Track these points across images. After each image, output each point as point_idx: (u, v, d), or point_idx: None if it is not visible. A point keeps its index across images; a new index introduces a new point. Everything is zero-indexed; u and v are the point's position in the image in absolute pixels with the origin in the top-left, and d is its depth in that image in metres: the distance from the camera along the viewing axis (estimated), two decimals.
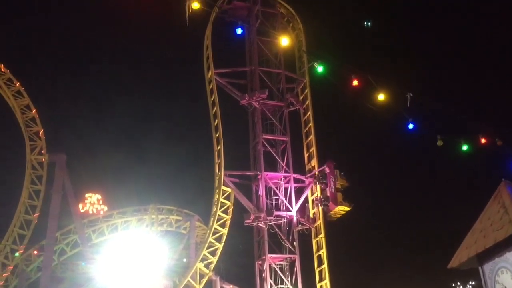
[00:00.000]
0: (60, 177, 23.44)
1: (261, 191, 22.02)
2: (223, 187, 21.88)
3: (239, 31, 16.48)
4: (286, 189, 22.60)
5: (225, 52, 23.64)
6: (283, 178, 22.69)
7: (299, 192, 22.85)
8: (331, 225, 22.58)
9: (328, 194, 21.82)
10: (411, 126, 16.50)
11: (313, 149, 23.41)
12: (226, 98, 23.13)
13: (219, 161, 22.21)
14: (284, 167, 22.74)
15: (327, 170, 22.06)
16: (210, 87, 23.03)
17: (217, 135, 22.49)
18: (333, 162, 22.29)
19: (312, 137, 23.52)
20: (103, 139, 27.19)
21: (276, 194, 22.38)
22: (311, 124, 23.64)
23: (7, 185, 25.04)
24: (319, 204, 22.13)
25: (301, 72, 24.66)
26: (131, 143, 27.63)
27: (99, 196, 33.35)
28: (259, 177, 22.15)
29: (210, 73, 23.10)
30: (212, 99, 22.84)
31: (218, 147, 22.36)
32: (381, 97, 15.63)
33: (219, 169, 22.09)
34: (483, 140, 16.49)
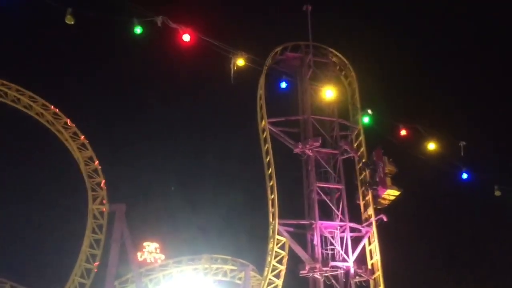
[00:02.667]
0: (119, 226, 24.09)
1: (316, 241, 21.67)
2: (277, 237, 21.68)
3: (283, 85, 16.86)
4: (342, 238, 22.12)
5: (278, 101, 23.95)
6: (338, 227, 22.25)
7: (355, 242, 22.31)
8: (391, 275, 21.77)
9: (377, 178, 21.16)
10: (465, 176, 15.95)
11: (369, 197, 22.90)
12: (279, 146, 23.29)
13: (273, 210, 22.13)
14: (340, 216, 22.36)
15: (375, 157, 21.55)
16: (264, 136, 23.31)
17: (271, 184, 22.52)
18: (381, 149, 21.69)
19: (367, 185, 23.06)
20: (158, 187, 27.86)
21: (331, 244, 21.92)
22: (366, 172, 23.24)
23: (69, 235, 25.99)
24: (369, 189, 21.61)
25: (355, 119, 24.51)
26: (184, 191, 28.09)
27: (156, 245, 33.76)
28: (314, 226, 21.85)
29: (263, 123, 23.42)
30: (265, 148, 23.05)
31: (272, 196, 22.34)
32: (431, 146, 15.29)
33: (273, 218, 21.97)
34: None
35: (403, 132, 19.19)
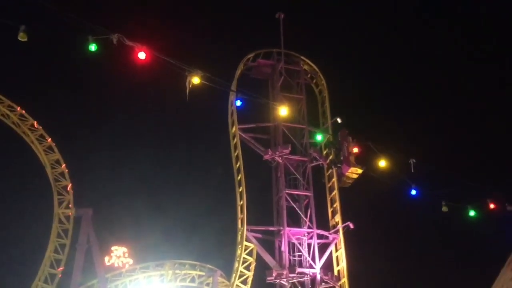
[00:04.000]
0: (85, 231, 23.74)
1: (284, 247, 21.80)
2: (245, 243, 21.72)
3: (238, 103, 17.17)
4: (309, 245, 22.30)
5: (249, 107, 24.06)
6: (306, 234, 22.44)
7: (322, 248, 22.52)
8: (357, 282, 22.07)
9: (342, 157, 21.76)
10: (413, 192, 16.50)
11: (337, 204, 23.18)
12: (249, 152, 23.37)
13: (242, 216, 22.15)
14: (308, 222, 22.55)
15: (340, 137, 22.17)
16: (234, 142, 23.34)
17: (240, 190, 22.56)
18: (346, 130, 22.31)
19: (335, 192, 23.33)
20: (125, 192, 27.59)
21: (299, 251, 22.08)
22: (334, 179, 23.51)
23: (34, 240, 25.47)
24: (333, 167, 22.28)
25: (325, 127, 24.81)
26: (151, 196, 27.96)
27: (125, 249, 33.12)
28: (282, 232, 21.99)
29: (234, 128, 23.46)
30: (236, 154, 23.07)
31: (241, 202, 22.36)
32: (382, 163, 15.83)
33: (242, 224, 22.01)
34: (491, 205, 16.20)
35: (355, 150, 20.26)
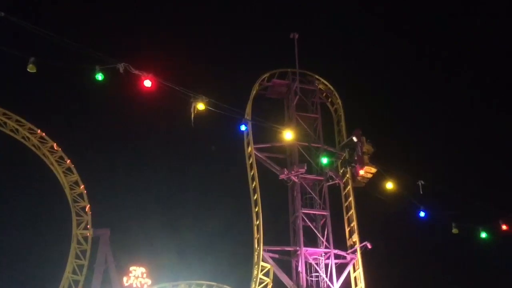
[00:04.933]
0: (103, 251, 23.93)
1: (301, 268, 21.59)
2: (262, 263, 21.58)
3: (243, 127, 17.29)
4: (326, 265, 22.05)
5: (265, 127, 24.15)
6: (323, 254, 22.22)
7: (340, 268, 22.24)
8: None
9: (356, 157, 21.77)
10: (422, 214, 16.30)
11: (354, 223, 22.94)
12: (265, 172, 23.35)
13: (258, 236, 22.06)
14: (325, 242, 22.33)
15: (355, 138, 22.16)
16: (250, 162, 23.36)
17: (256, 210, 22.48)
18: (360, 130, 22.33)
19: (352, 211, 23.14)
20: (141, 213, 27.84)
21: (316, 271, 21.84)
22: (351, 198, 23.33)
23: (52, 261, 25.69)
24: (348, 167, 22.35)
25: (340, 146, 24.67)
26: (166, 217, 28.12)
27: (143, 270, 33.27)
28: (299, 252, 21.79)
29: (250, 148, 23.49)
30: (251, 173, 23.09)
31: (257, 222, 22.28)
32: (389, 185, 15.71)
33: (258, 244, 21.91)
34: (504, 227, 15.88)
35: (362, 172, 20.39)
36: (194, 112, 13.99)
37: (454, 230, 16.42)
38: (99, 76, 13.26)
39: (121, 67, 12.91)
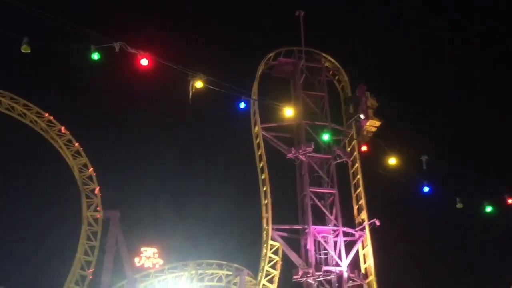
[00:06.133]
0: (113, 232, 24.21)
1: (310, 245, 21.71)
2: (271, 242, 21.73)
3: (242, 105, 17.19)
4: (335, 243, 22.15)
5: (271, 106, 24.05)
6: (332, 232, 22.29)
7: (349, 246, 22.33)
8: (385, 279, 21.86)
9: (360, 111, 22.53)
10: (426, 189, 16.24)
11: (362, 201, 22.94)
12: (272, 151, 23.35)
13: (267, 215, 22.17)
14: (333, 220, 22.40)
15: (358, 92, 23.03)
16: (257, 141, 23.36)
17: (264, 189, 22.57)
18: (365, 85, 22.94)
19: (361, 189, 23.12)
20: (150, 194, 28.05)
21: (325, 249, 21.96)
22: (359, 176, 23.29)
23: (63, 242, 26.07)
24: (352, 120, 23.05)
25: (348, 124, 24.56)
26: (175, 196, 28.32)
27: (155, 250, 33.68)
28: (307, 231, 21.89)
29: (257, 128, 23.46)
30: (259, 153, 23.11)
31: (266, 201, 22.38)
32: (392, 161, 15.64)
33: (267, 223, 22.03)
34: (510, 200, 15.78)
35: (364, 148, 20.39)
36: (192, 90, 13.95)
37: (459, 205, 16.40)
38: (95, 56, 13.22)
39: (116, 46, 12.84)
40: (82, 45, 12.72)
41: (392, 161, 17.05)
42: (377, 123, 22.33)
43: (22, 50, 12.99)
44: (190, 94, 13.90)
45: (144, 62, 13.41)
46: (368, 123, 22.32)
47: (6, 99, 25.35)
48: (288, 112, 20.03)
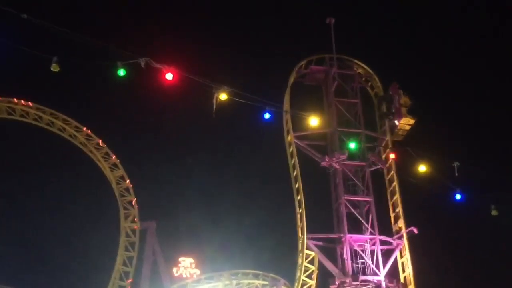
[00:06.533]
0: (150, 243, 24.54)
1: (346, 255, 21.43)
2: (306, 251, 21.57)
3: (267, 116, 17.16)
4: (372, 252, 21.79)
5: (304, 115, 23.94)
6: (368, 241, 21.96)
7: (386, 255, 21.93)
8: None
9: (393, 109, 22.42)
10: (458, 196, 15.79)
11: (399, 209, 22.53)
12: (306, 160, 23.23)
13: (301, 224, 22.03)
14: (369, 229, 22.05)
15: (391, 91, 22.98)
16: (290, 150, 23.28)
17: (298, 198, 22.46)
18: (397, 84, 22.91)
19: (397, 196, 22.70)
20: (186, 204, 28.34)
21: (362, 258, 21.63)
22: (395, 183, 22.89)
23: (102, 253, 26.60)
24: (385, 118, 22.96)
25: (382, 130, 24.20)
26: (210, 207, 28.52)
27: (191, 260, 33.91)
28: (343, 239, 21.61)
29: (289, 137, 23.40)
30: (292, 162, 23.03)
31: (300, 210, 22.25)
32: (422, 168, 15.30)
33: (302, 233, 21.88)
34: None
35: (392, 156, 20.03)
36: (216, 102, 14.09)
37: (494, 212, 15.89)
38: (121, 72, 13.53)
39: (142, 61, 13.14)
40: (109, 62, 13.06)
41: (422, 168, 16.78)
42: (411, 121, 22.15)
43: (52, 69, 13.41)
44: (214, 106, 14.07)
45: (169, 76, 13.68)
46: (402, 121, 22.21)
47: (46, 114, 26.20)
48: (313, 121, 20.09)
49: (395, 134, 22.75)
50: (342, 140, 23.29)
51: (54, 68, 13.43)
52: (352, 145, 21.14)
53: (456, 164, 15.09)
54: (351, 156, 22.91)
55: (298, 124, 23.40)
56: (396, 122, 22.43)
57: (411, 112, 22.42)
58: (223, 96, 14.12)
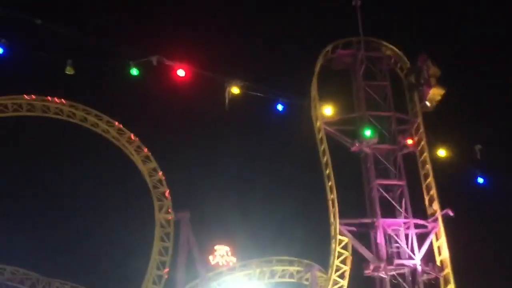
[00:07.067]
0: (185, 233, 24.92)
1: (380, 239, 21.25)
2: (339, 237, 21.49)
3: (279, 107, 17.05)
4: (406, 235, 21.53)
5: (333, 99, 23.72)
6: (402, 224, 21.70)
7: (421, 238, 21.64)
8: (462, 272, 20.98)
9: (422, 80, 21.87)
10: (481, 180, 15.33)
11: (433, 191, 22.12)
12: (336, 145, 23.05)
13: (333, 209, 21.94)
14: (403, 212, 21.78)
15: (420, 62, 22.36)
16: (320, 136, 23.14)
17: (329, 184, 22.33)
18: (425, 54, 22.32)
19: (431, 179, 22.29)
20: (219, 193, 28.64)
21: (396, 242, 21.41)
22: (428, 165, 22.47)
23: (139, 243, 27.22)
24: (415, 90, 22.40)
25: (413, 112, 23.74)
26: (242, 195, 28.69)
27: (227, 248, 34.32)
28: (376, 224, 21.41)
29: (318, 123, 23.25)
30: (322, 148, 22.87)
31: (332, 196, 22.15)
32: (441, 153, 14.93)
33: (334, 218, 21.80)
34: None
35: (410, 141, 20.84)
36: (228, 96, 14.10)
37: None
38: (134, 71, 13.68)
39: (154, 59, 13.24)
40: (122, 62, 13.21)
41: (442, 152, 16.45)
42: (442, 92, 21.61)
43: (66, 72, 13.68)
44: (227, 100, 14.09)
45: (181, 73, 13.74)
46: (431, 92, 21.64)
47: (79, 111, 26.80)
48: (327, 111, 19.92)
49: (425, 106, 22.22)
50: (372, 124, 23.02)
51: (69, 71, 13.72)
52: (368, 133, 20.89)
53: (477, 147, 14.66)
54: (381, 139, 22.60)
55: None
56: (426, 92, 21.84)
57: (441, 82, 21.82)
58: (235, 90, 14.19)
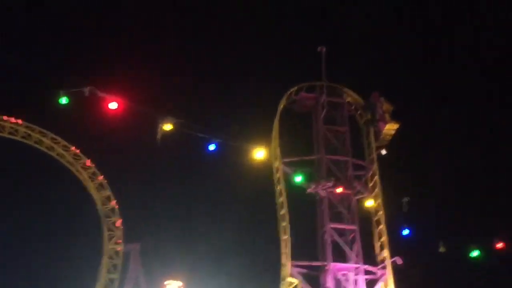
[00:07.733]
0: (134, 266, 24.30)
1: (329, 283, 21.22)
2: (289, 279, 21.35)
3: (211, 147, 17.36)
4: (356, 281, 21.60)
5: (292, 141, 24.01)
6: (353, 270, 21.77)
7: (370, 285, 21.74)
8: None
9: (377, 117, 23.05)
10: (406, 232, 15.83)
11: (384, 238, 22.41)
12: (292, 186, 23.14)
13: (286, 250, 21.87)
14: (354, 257, 21.89)
15: (373, 99, 23.61)
16: (278, 176, 23.24)
17: (283, 224, 22.33)
18: (377, 92, 23.54)
19: (382, 226, 22.60)
20: (170, 227, 28.11)
21: (345, 287, 21.42)
22: (381, 212, 22.81)
23: (84, 274, 26.30)
24: (370, 127, 23.49)
25: (370, 159, 24.24)
26: (184, 230, 28.24)
27: (179, 283, 33.36)
28: (327, 268, 21.45)
29: (277, 163, 23.39)
30: (278, 188, 22.97)
31: (285, 237, 22.11)
32: (369, 203, 15.41)
33: (287, 259, 21.68)
34: (499, 245, 15.00)
35: (339, 190, 21.22)
36: (160, 132, 14.22)
37: (441, 249, 15.87)
38: (64, 100, 13.61)
39: (86, 90, 13.19)
40: (52, 90, 13.14)
41: (370, 203, 16.89)
42: (395, 126, 22.86)
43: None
44: (159, 136, 14.17)
45: (113, 105, 13.72)
46: (386, 127, 22.80)
47: (35, 132, 26.22)
48: (259, 154, 20.38)
49: (380, 140, 23.34)
50: (329, 168, 23.34)
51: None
52: (298, 179, 21.32)
53: (405, 199, 15.12)
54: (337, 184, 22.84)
55: (285, 150, 23.45)
56: (380, 128, 23.07)
57: (394, 117, 23.12)
58: (167, 126, 14.32)
